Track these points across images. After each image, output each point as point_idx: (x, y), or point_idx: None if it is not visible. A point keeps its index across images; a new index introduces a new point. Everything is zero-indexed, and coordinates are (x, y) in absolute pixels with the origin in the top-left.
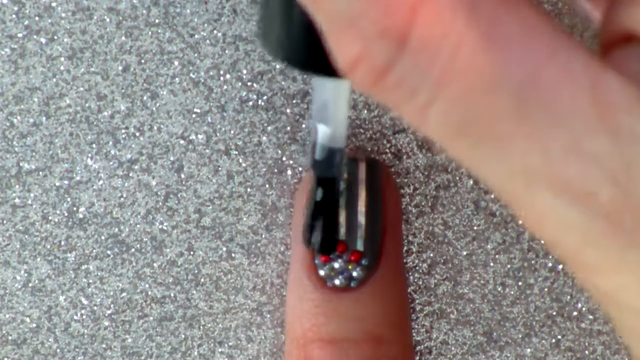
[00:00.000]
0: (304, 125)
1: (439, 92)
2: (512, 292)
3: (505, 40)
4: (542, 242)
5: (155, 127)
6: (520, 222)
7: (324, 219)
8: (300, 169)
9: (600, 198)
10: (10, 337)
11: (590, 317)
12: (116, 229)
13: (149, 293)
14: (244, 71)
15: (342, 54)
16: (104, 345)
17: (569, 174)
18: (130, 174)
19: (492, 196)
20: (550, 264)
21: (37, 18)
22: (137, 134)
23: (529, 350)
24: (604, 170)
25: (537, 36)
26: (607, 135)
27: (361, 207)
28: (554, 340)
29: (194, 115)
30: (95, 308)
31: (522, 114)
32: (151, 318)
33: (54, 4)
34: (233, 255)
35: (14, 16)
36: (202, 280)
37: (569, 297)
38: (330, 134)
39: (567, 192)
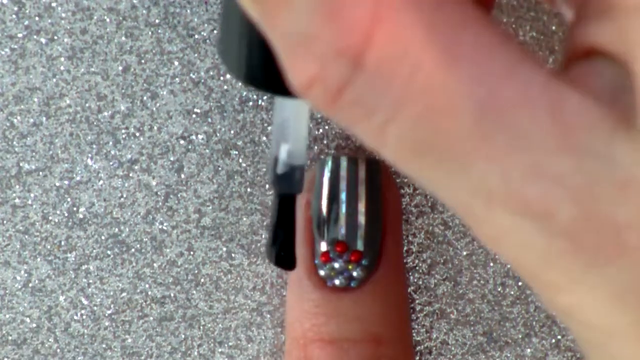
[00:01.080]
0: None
1: (397, 113)
2: (512, 292)
3: (464, 60)
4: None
5: (155, 127)
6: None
7: (283, 234)
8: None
9: (560, 218)
10: (10, 337)
11: None
12: (116, 229)
13: (149, 293)
14: None
15: (297, 74)
16: (104, 345)
17: (528, 194)
18: (131, 174)
19: None
20: None
21: (37, 18)
22: (137, 134)
23: (529, 350)
24: (564, 190)
25: (496, 56)
26: (567, 154)
27: (361, 207)
28: (554, 340)
29: (194, 115)
30: (95, 308)
31: (481, 134)
32: (151, 318)
33: (54, 4)
34: (233, 255)
35: (14, 16)
36: (202, 280)
37: None
38: (290, 151)
39: (527, 212)
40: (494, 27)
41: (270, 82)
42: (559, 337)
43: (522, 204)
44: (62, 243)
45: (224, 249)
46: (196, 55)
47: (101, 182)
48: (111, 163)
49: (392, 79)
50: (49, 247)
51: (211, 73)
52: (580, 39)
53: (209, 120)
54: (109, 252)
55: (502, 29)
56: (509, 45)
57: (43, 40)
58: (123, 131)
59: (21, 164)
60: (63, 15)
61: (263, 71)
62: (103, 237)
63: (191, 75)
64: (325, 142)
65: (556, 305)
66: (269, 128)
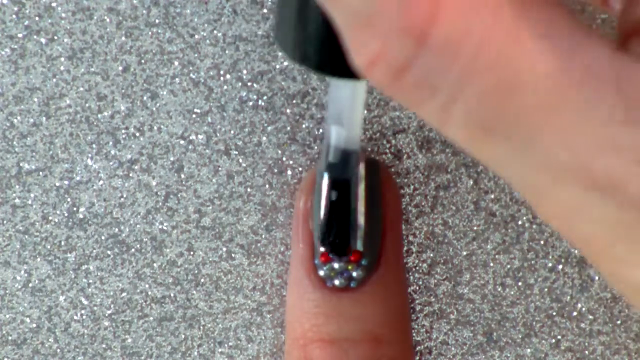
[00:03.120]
0: (304, 125)
1: (462, 90)
2: (512, 292)
3: (531, 35)
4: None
5: (155, 127)
6: (519, 222)
7: (338, 221)
8: (300, 169)
9: (629, 190)
10: (10, 337)
11: (590, 317)
12: (116, 229)
13: (149, 293)
14: (244, 71)
15: (360, 52)
16: (104, 345)
17: (597, 167)
18: (130, 174)
19: (492, 196)
20: (550, 264)
21: (37, 18)
22: (137, 134)
23: (529, 350)
24: (632, 162)
25: (563, 30)
26: (634, 126)
27: (361, 207)
28: (554, 340)
29: (194, 115)
30: (95, 308)
31: (549, 108)
32: (151, 318)
33: (54, 4)
34: (233, 255)
35: (14, 16)
36: (202, 280)
37: (569, 297)
38: (345, 135)
39: (596, 186)
40: (558, 3)
41: (327, 63)
42: (559, 337)
43: (590, 177)
44: (62, 243)
45: (224, 249)
46: (196, 55)
47: (101, 182)
48: (111, 163)
49: (457, 56)
50: (49, 247)
51: (211, 73)
52: (634, 16)
53: (209, 120)
54: (109, 252)
55: (566, 6)
56: (574, 20)
57: (43, 40)
58: (123, 131)
59: (21, 164)
60: (63, 15)
61: (320, 52)
62: (103, 237)
63: (191, 75)
64: None
65: (627, 281)
66: (269, 128)
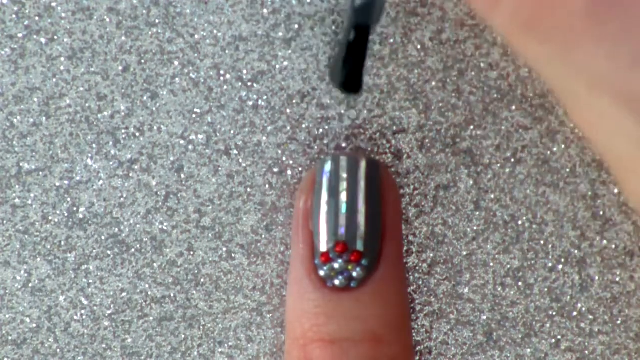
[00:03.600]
0: (304, 126)
1: None
2: (512, 292)
3: None
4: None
5: (155, 127)
6: (520, 222)
7: (354, 60)
8: (300, 169)
9: None
10: (10, 337)
11: (590, 317)
12: (116, 229)
13: (149, 293)
14: (244, 71)
15: None
16: (104, 345)
17: (632, 82)
18: (130, 174)
19: (492, 196)
20: (550, 264)
21: (37, 18)
22: (137, 134)
23: (529, 350)
24: None
25: None
26: None
27: (361, 207)
28: (554, 340)
29: (194, 115)
30: (95, 308)
31: (594, 15)
32: (151, 318)
33: (54, 4)
34: (233, 255)
35: (14, 16)
36: (202, 280)
37: (569, 297)
38: None
39: (628, 100)
40: None
41: None
42: (559, 337)
43: (624, 91)
44: (62, 243)
45: (224, 249)
46: (196, 55)
47: (101, 182)
48: (111, 163)
49: None
50: (49, 247)
51: (211, 73)
52: None
53: (209, 120)
54: (109, 252)
55: None
56: None
57: (43, 40)
58: (123, 131)
59: (21, 164)
60: (63, 15)
61: None
62: (103, 237)
63: (191, 75)
64: (325, 142)
65: None
66: (269, 128)
